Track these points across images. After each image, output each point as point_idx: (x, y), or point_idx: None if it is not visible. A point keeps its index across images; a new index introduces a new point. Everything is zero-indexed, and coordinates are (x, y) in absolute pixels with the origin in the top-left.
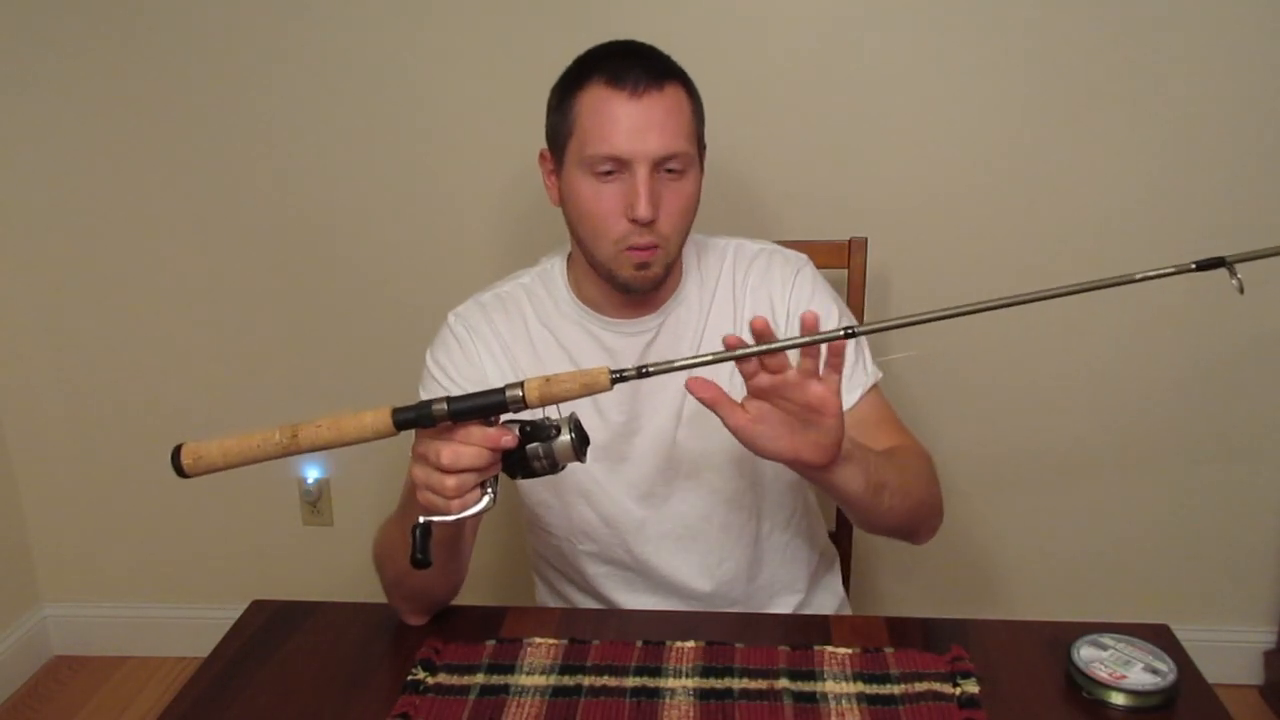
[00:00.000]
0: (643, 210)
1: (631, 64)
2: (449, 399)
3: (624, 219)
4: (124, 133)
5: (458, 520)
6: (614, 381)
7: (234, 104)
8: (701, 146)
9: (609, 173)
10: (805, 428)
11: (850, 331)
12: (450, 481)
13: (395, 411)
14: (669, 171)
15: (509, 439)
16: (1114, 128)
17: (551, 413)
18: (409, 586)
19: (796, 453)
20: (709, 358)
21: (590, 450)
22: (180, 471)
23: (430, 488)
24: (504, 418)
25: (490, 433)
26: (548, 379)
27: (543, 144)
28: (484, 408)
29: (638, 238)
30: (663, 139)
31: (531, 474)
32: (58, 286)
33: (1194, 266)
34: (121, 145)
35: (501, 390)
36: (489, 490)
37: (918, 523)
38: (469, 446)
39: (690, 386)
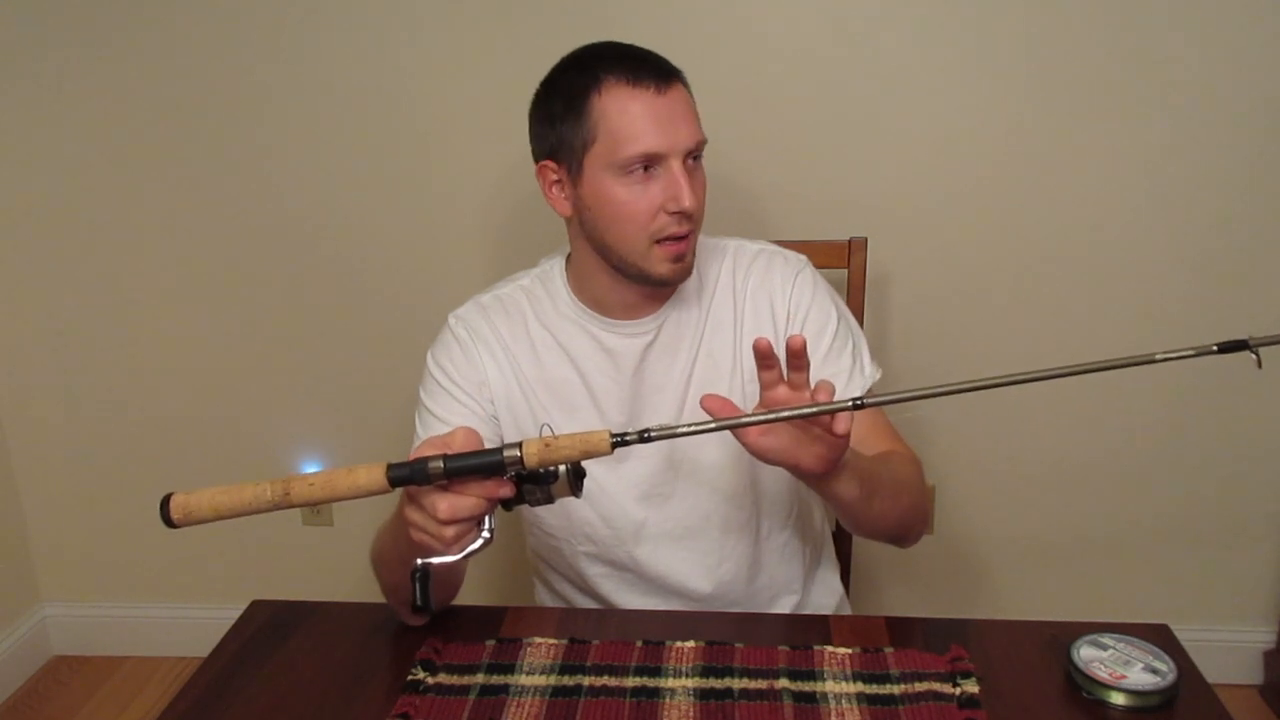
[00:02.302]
0: (688, 200)
1: (640, 63)
2: (445, 457)
3: (662, 213)
4: (123, 134)
5: (455, 561)
6: (614, 446)
7: (232, 105)
8: None
9: (643, 169)
10: (812, 440)
11: (858, 403)
12: (449, 532)
13: (390, 468)
14: (694, 159)
15: (506, 490)
16: (1113, 127)
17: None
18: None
19: (798, 461)
20: (713, 425)
21: None
22: (169, 523)
23: (428, 534)
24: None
25: (488, 484)
26: (547, 443)
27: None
28: (480, 467)
29: (676, 227)
30: (690, 130)
31: (524, 503)
32: (58, 286)
33: (1215, 349)
34: (121, 146)
35: (499, 451)
36: (486, 529)
37: (904, 529)
38: (467, 499)
39: (706, 406)
